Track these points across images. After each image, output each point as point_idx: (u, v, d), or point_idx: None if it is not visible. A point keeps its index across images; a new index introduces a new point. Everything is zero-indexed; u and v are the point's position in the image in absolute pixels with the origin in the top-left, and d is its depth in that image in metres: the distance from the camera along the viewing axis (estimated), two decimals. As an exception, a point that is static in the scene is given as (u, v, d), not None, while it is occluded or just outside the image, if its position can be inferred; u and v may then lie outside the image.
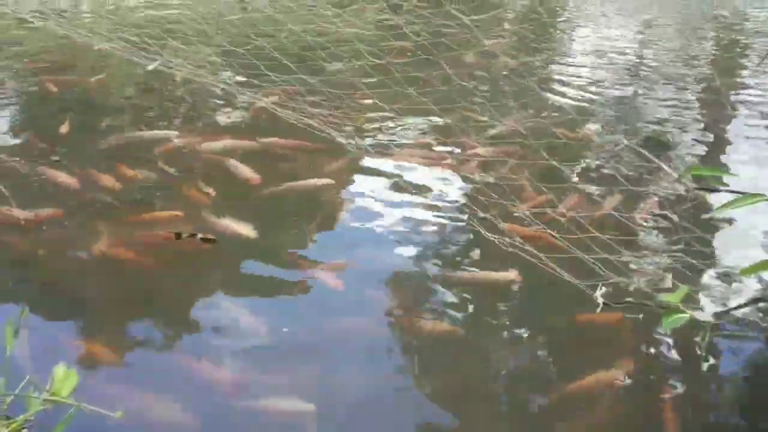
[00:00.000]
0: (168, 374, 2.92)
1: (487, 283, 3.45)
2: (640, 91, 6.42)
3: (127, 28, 5.90)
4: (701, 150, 5.14)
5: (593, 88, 6.33)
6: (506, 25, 8.13)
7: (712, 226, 3.69)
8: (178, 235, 3.73)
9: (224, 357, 2.97)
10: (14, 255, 3.68)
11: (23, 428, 2.39)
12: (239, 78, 5.64)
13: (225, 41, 6.18)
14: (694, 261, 3.07)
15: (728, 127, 5.65)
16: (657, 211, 3.79)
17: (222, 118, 5.43)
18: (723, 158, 5.07)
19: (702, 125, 5.59)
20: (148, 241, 3.74)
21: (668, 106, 5.95)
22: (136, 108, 5.69)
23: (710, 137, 5.33)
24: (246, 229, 3.79)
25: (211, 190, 4.17)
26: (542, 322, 3.19)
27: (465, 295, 3.37)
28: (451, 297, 3.37)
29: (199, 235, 3.73)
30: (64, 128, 5.04)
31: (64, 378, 2.26)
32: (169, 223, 3.87)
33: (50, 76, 6.19)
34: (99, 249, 3.65)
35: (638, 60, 7.42)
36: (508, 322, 3.23)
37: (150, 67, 5.37)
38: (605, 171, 4.49)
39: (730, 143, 5.35)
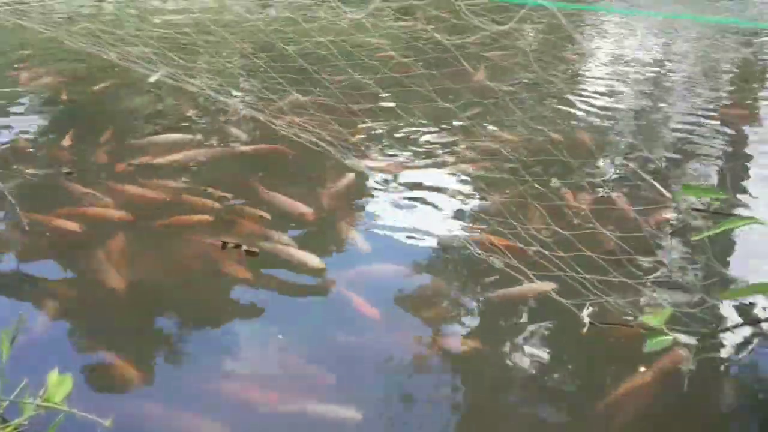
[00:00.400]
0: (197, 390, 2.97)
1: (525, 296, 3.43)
2: (654, 109, 6.39)
3: (137, 38, 5.97)
4: (713, 171, 5.14)
5: (606, 105, 6.31)
6: (523, 39, 8.10)
7: (706, 248, 3.72)
8: (224, 245, 3.78)
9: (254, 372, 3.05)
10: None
11: (20, 431, 2.45)
12: (237, 93, 5.72)
13: (231, 51, 6.29)
14: (685, 282, 3.10)
15: (746, 147, 5.62)
16: (652, 230, 3.82)
17: (217, 129, 5.52)
18: (738, 180, 5.06)
19: (718, 146, 5.56)
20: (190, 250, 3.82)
21: (684, 126, 5.92)
22: (139, 118, 5.78)
23: (725, 158, 5.31)
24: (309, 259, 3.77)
25: (266, 214, 4.15)
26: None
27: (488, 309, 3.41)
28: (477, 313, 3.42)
29: (244, 247, 3.77)
30: (66, 141, 5.10)
31: (57, 384, 2.32)
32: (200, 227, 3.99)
33: (60, 81, 6.33)
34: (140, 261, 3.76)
35: (656, 76, 7.38)
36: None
37: (152, 79, 5.43)
38: (602, 189, 4.53)
39: (746, 164, 5.33)
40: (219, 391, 2.93)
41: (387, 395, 2.94)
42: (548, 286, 3.26)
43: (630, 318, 3.01)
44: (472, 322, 3.35)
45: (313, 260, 3.71)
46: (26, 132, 5.38)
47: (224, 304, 3.49)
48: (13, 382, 2.34)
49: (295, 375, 3.05)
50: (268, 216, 4.10)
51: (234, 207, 4.24)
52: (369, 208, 4.38)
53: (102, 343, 3.21)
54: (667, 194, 3.58)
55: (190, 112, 5.73)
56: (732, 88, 7.08)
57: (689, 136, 5.63)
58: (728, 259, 3.82)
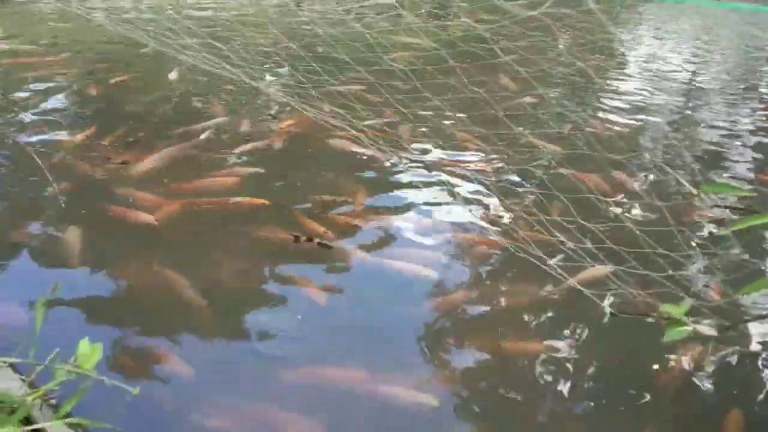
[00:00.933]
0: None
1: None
2: (689, 108, 6.33)
3: (175, 24, 6.05)
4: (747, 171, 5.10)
5: (638, 102, 6.27)
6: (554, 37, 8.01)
7: (732, 242, 3.70)
8: (297, 239, 3.79)
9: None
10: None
11: (48, 397, 2.52)
12: (270, 77, 5.75)
13: (264, 43, 6.35)
14: (705, 275, 3.09)
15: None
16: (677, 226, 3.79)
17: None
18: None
19: (752, 147, 5.51)
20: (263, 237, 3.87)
21: (719, 129, 5.88)
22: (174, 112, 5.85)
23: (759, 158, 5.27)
24: None
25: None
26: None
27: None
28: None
29: (317, 240, 3.78)
30: (80, 136, 5.10)
31: (88, 352, 2.38)
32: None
33: (91, 71, 6.45)
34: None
35: (690, 82, 7.31)
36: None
37: (172, 76, 5.43)
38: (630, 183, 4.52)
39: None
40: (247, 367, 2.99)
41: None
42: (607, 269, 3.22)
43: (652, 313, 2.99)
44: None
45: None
46: (62, 121, 5.49)
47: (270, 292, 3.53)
48: (44, 352, 2.38)
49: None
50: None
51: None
52: (400, 198, 4.42)
53: (134, 318, 3.28)
54: (693, 190, 3.55)
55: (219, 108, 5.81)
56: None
57: (726, 133, 5.58)
58: (755, 254, 3.79)
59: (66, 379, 2.31)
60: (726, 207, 3.34)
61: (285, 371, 2.97)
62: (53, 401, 2.57)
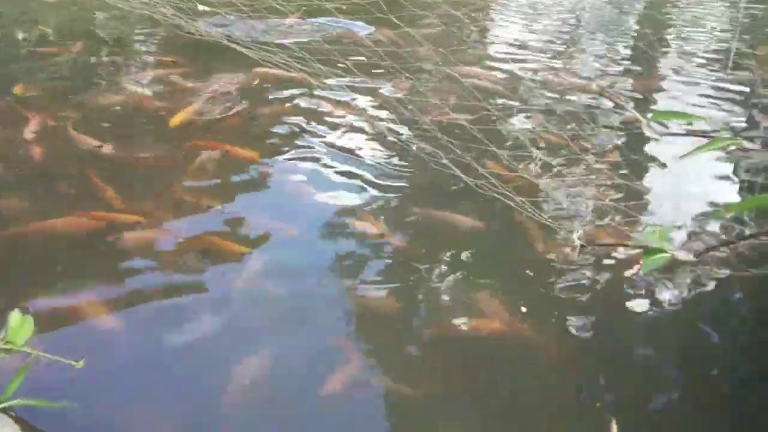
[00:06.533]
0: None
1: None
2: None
3: None
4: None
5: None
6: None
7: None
8: None
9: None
10: None
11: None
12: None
13: None
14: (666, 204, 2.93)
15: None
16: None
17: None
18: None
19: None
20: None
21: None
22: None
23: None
24: None
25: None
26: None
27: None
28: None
29: None
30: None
31: (19, 326, 2.01)
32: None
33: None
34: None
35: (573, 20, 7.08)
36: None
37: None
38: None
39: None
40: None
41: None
42: None
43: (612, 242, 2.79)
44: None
45: None
46: None
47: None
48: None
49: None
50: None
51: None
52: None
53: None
54: (642, 118, 3.37)
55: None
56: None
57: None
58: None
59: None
60: (675, 134, 3.16)
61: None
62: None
